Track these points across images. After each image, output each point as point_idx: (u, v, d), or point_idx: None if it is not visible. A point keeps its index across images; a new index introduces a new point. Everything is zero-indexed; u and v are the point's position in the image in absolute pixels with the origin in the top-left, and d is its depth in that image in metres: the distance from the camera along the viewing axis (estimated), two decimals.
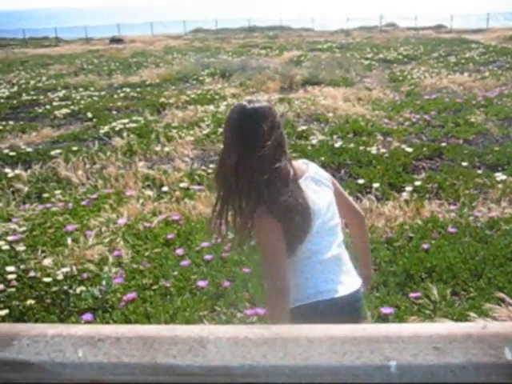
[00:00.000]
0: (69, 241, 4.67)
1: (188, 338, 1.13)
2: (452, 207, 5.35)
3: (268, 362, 1.06)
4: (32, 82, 16.58)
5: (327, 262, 2.04)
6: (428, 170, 6.73)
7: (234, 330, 1.14)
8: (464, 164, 6.68)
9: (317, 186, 2.09)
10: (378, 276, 4.01)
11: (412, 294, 3.71)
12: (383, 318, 3.45)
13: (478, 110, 9.96)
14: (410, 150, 7.29)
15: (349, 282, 2.09)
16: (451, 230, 4.71)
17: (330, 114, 9.93)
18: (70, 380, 1.14)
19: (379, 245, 4.52)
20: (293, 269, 2.01)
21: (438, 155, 7.29)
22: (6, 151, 8.14)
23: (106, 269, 4.28)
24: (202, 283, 3.94)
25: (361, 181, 6.15)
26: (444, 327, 1.09)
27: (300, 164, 2.15)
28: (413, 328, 1.10)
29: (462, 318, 3.38)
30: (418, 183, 6.00)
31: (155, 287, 4.01)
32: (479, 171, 6.41)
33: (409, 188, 5.84)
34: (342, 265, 2.10)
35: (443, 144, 7.65)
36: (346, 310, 2.04)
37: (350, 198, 2.37)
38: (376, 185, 5.96)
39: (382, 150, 7.34)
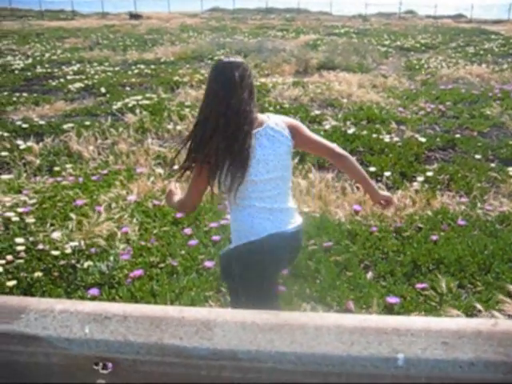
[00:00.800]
0: (73, 216, 4.68)
1: (195, 320, 1.13)
2: (463, 200, 5.31)
3: (274, 348, 1.06)
4: (47, 55, 16.57)
5: (264, 207, 2.32)
6: (440, 161, 6.68)
7: (241, 315, 1.14)
8: (477, 157, 6.62)
9: (267, 140, 2.31)
10: (385, 265, 4.00)
11: (419, 285, 3.70)
12: (389, 308, 3.44)
13: (495, 102, 9.84)
14: (423, 139, 7.23)
15: (285, 222, 2.37)
16: (461, 222, 4.68)
17: (344, 100, 9.87)
18: (75, 356, 1.14)
19: (387, 234, 4.50)
20: (236, 212, 2.38)
21: (452, 146, 7.23)
22: (18, 123, 8.16)
23: (113, 245, 4.30)
24: (208, 263, 3.94)
25: (372, 168, 6.11)
26: (454, 322, 1.08)
27: (262, 117, 2.37)
28: (422, 321, 1.10)
29: (468, 311, 3.37)
30: (429, 174, 5.95)
31: (162, 265, 4.02)
32: (492, 165, 6.35)
33: (420, 178, 5.80)
34: (280, 210, 2.37)
35: (457, 135, 7.58)
36: (284, 249, 2.37)
37: (324, 141, 2.53)
38: (387, 173, 5.93)
39: (395, 139, 7.28)
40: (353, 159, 2.55)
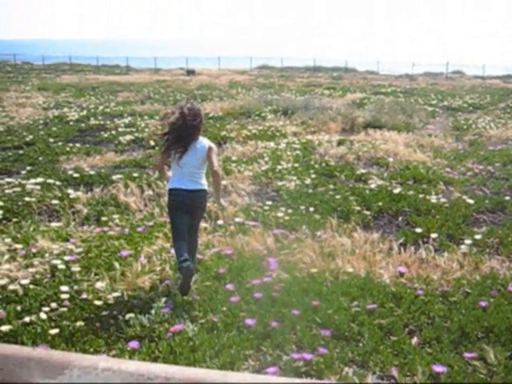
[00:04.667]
0: (118, 266, 4.74)
1: None
2: None
3: None
4: (100, 107, 17.21)
5: (183, 175, 4.41)
6: (489, 223, 6.52)
7: (287, 381, 1.10)
8: None
9: (192, 149, 4.40)
10: (431, 331, 3.86)
11: (467, 354, 3.54)
12: (435, 377, 3.30)
13: None
14: (471, 201, 7.10)
15: (191, 186, 4.40)
16: None
17: (391, 159, 9.82)
18: None
19: (434, 298, 4.37)
20: (173, 172, 4.55)
21: (501, 209, 7.06)
22: (70, 172, 8.43)
23: (155, 298, 4.31)
24: (249, 321, 3.90)
25: (418, 230, 6.00)
26: None
27: (200, 137, 4.50)
28: None
29: None
30: (478, 237, 5.80)
31: (203, 321, 3.99)
32: None
33: (468, 241, 5.66)
34: (191, 180, 4.41)
35: (507, 197, 7.41)
36: (187, 198, 4.39)
37: (215, 164, 4.48)
38: (434, 235, 5.81)
39: (442, 200, 7.17)
40: (218, 177, 4.64)
